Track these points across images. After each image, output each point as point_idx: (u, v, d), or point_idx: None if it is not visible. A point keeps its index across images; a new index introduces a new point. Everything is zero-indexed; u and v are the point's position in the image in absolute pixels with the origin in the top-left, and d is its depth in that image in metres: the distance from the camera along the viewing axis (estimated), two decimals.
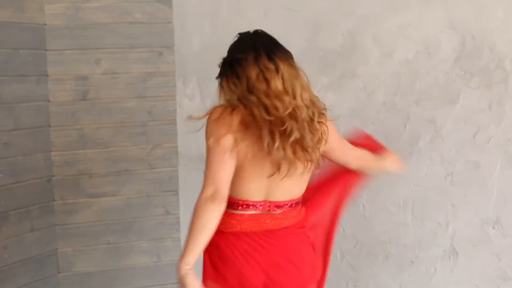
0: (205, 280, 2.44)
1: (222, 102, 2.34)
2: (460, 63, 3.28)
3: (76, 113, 3.65)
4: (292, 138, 2.26)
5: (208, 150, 2.29)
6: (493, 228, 3.33)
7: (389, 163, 2.73)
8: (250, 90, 2.26)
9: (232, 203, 2.37)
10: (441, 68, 3.32)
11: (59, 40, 3.57)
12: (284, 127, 2.24)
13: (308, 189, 2.50)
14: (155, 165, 3.83)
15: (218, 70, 2.36)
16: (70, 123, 3.65)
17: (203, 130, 2.32)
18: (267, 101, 2.24)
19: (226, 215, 2.36)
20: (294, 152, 2.29)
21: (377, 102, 3.49)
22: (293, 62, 2.34)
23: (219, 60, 2.35)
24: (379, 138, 3.48)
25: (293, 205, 2.46)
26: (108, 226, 3.79)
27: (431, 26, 3.31)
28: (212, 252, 2.43)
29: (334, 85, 3.57)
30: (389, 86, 3.45)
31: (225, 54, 2.36)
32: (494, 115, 3.25)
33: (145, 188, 3.83)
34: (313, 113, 2.31)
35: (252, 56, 2.28)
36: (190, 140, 3.73)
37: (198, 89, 3.76)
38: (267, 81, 2.26)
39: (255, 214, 2.40)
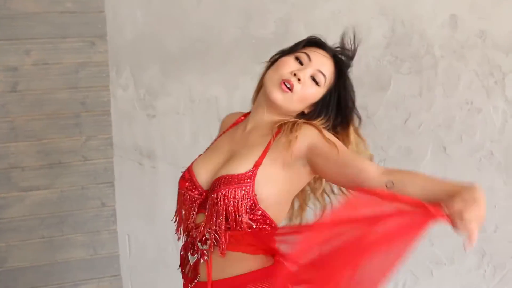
0: None
1: None
2: (391, 49, 3.32)
3: (6, 105, 3.57)
4: None
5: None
6: None
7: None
8: None
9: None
10: (372, 54, 3.35)
11: None
12: None
13: None
14: (89, 156, 3.77)
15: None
16: None
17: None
18: None
19: None
20: None
21: None
22: None
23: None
24: None
25: None
26: (42, 220, 3.72)
27: (362, 12, 3.34)
28: None
29: None
30: None
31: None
32: (424, 100, 3.30)
33: (79, 180, 3.76)
34: None
35: None
36: (125, 130, 3.70)
37: (132, 79, 3.71)
38: None
39: None
